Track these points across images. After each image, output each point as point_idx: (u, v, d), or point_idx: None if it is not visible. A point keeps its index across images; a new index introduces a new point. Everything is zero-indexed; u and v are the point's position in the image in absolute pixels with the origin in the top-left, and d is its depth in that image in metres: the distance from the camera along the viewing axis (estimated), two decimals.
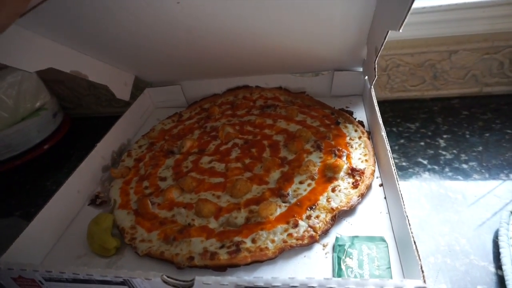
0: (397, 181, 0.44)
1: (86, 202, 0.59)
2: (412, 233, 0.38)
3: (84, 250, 0.50)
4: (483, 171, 0.60)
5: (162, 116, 0.78)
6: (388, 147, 0.50)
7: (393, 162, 0.47)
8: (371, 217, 0.49)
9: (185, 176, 0.57)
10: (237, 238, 0.46)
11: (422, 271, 0.34)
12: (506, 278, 0.41)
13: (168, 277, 0.38)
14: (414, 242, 0.37)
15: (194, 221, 0.50)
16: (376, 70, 0.60)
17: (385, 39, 0.53)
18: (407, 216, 0.40)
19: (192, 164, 0.61)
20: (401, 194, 0.42)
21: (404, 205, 0.41)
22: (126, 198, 0.56)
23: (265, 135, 0.65)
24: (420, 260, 0.35)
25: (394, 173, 0.45)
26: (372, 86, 0.64)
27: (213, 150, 0.64)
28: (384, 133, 0.52)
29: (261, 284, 0.35)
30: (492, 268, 0.44)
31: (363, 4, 0.52)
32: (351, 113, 0.67)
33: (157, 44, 0.64)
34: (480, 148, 0.66)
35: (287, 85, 0.77)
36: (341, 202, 0.49)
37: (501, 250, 0.44)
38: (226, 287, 0.36)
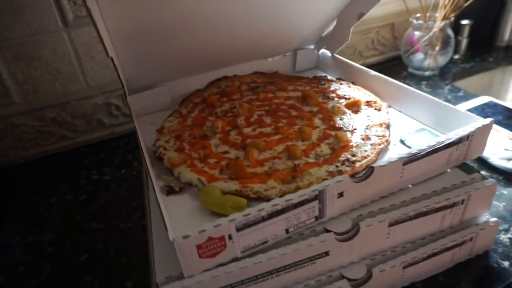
0: None
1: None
2: None
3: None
4: None
5: (152, 121, 0.74)
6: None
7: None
8: None
9: (244, 144, 0.60)
10: (341, 158, 0.54)
11: None
12: None
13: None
14: None
15: (295, 162, 0.55)
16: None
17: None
18: None
19: (240, 136, 0.63)
20: None
21: None
22: (208, 174, 0.54)
23: (278, 103, 0.73)
24: None
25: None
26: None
27: (245, 124, 0.67)
28: (375, 73, 0.72)
29: None
30: None
31: None
32: (325, 77, 0.84)
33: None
34: None
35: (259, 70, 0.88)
36: (379, 117, 0.64)
37: None
38: None
